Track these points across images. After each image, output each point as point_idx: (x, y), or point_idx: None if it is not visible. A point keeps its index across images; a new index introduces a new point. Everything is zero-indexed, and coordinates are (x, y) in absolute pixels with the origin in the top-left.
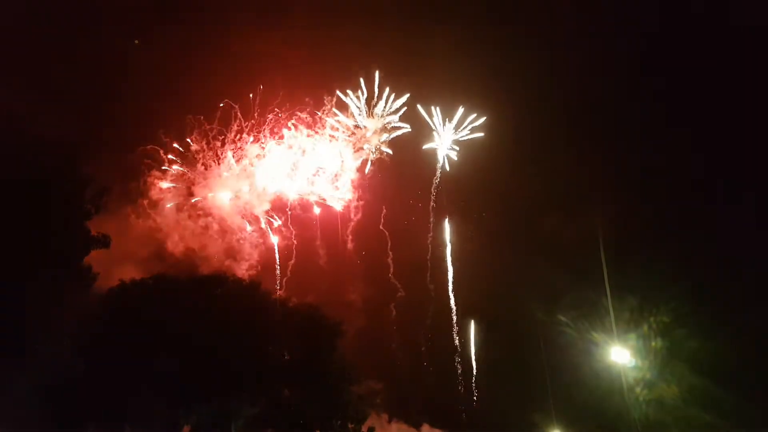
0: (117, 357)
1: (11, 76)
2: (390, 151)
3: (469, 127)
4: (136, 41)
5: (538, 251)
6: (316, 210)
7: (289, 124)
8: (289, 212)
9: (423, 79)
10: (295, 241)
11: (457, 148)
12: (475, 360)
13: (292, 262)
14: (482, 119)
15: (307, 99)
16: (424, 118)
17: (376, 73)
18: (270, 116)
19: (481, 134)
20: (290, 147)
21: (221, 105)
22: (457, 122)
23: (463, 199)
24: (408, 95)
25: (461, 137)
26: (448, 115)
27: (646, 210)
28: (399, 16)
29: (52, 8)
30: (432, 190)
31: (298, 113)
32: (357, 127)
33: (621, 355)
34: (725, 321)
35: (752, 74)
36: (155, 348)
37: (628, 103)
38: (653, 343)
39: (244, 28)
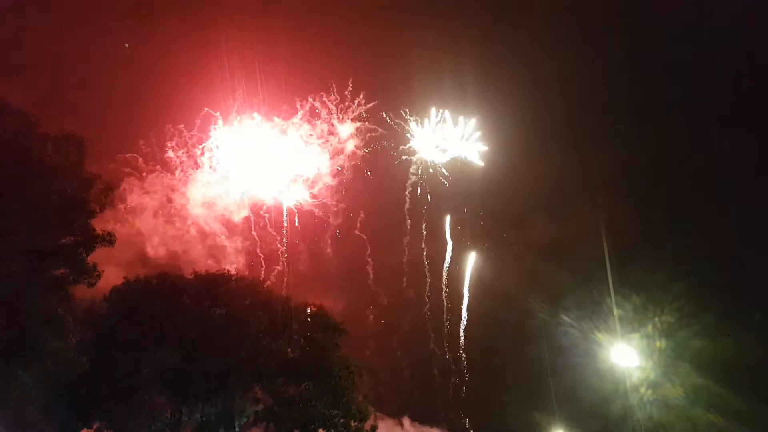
0: (121, 355)
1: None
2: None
3: (466, 132)
4: (126, 45)
5: (540, 251)
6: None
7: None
8: (266, 216)
9: (400, 84)
10: (282, 246)
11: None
12: (466, 362)
13: (279, 268)
14: (472, 120)
15: (284, 106)
16: (401, 123)
17: (350, 80)
18: (249, 122)
19: (484, 147)
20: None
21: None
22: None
23: (459, 201)
24: (376, 102)
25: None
26: (425, 117)
27: (651, 209)
28: (374, 22)
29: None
30: (406, 193)
31: (275, 118)
32: (331, 133)
33: (625, 355)
34: (730, 321)
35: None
36: (159, 346)
37: (631, 103)
38: (657, 343)
39: (224, 35)
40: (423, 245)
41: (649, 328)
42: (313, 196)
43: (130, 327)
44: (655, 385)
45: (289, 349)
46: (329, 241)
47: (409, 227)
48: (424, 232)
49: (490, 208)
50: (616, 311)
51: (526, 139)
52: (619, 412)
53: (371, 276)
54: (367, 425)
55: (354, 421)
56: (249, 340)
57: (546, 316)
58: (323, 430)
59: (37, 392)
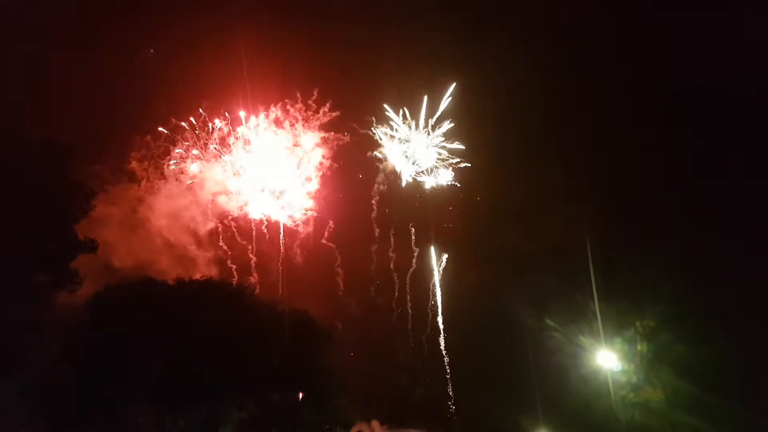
0: (103, 362)
1: None
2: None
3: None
4: (151, 50)
5: (524, 256)
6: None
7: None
8: (233, 225)
9: (367, 92)
10: (254, 257)
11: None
12: (449, 364)
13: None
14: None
15: (249, 115)
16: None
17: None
18: (214, 133)
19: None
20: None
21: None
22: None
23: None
24: (338, 113)
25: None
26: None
27: (634, 214)
28: (339, 30)
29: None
30: (373, 202)
31: (239, 129)
32: (296, 144)
33: (608, 359)
34: (711, 325)
35: (745, 73)
36: (142, 353)
37: (614, 107)
38: (640, 347)
39: (187, 44)
40: (390, 253)
41: (632, 332)
42: (282, 207)
43: (113, 334)
44: (637, 388)
45: (274, 356)
46: (298, 251)
47: (377, 236)
48: (392, 240)
49: (467, 214)
50: (599, 316)
51: (504, 142)
52: (602, 415)
53: (341, 286)
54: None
55: (340, 428)
56: (234, 347)
57: (530, 321)
58: None
59: (18, 401)
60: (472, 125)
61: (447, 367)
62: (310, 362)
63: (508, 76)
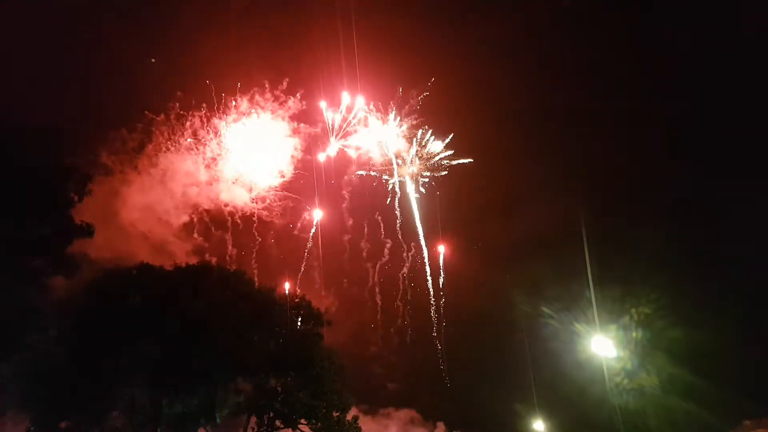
0: (100, 346)
1: None
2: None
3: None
4: (153, 60)
5: (520, 243)
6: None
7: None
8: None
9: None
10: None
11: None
12: (444, 351)
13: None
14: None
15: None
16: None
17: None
18: (187, 124)
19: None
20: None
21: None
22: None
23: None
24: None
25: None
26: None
27: (628, 202)
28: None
29: None
30: (344, 193)
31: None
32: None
33: (603, 346)
34: (705, 311)
35: (745, 70)
36: (138, 337)
37: (610, 96)
38: (634, 334)
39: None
40: (363, 243)
41: (627, 319)
42: (254, 200)
43: (109, 318)
44: (631, 374)
45: (270, 340)
46: (273, 242)
47: (350, 225)
48: (365, 230)
49: (460, 203)
50: (594, 303)
51: (497, 132)
52: (597, 401)
53: (318, 278)
54: (349, 416)
55: (336, 412)
56: (230, 331)
57: (525, 308)
58: (305, 421)
59: (15, 384)
60: (459, 119)
61: (440, 353)
62: (307, 346)
63: (492, 69)
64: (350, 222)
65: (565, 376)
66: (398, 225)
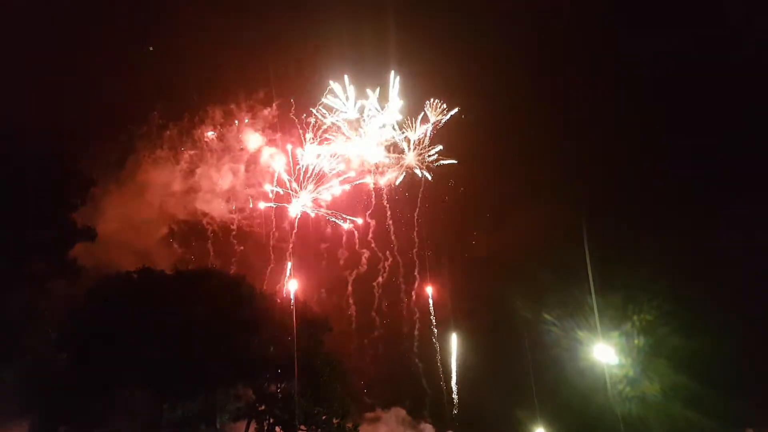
0: (101, 350)
1: None
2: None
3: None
4: (151, 48)
5: (522, 250)
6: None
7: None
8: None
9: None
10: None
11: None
12: (456, 360)
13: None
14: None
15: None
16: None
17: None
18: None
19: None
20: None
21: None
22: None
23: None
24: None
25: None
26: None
27: (631, 209)
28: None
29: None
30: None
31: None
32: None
33: (605, 353)
34: (707, 318)
35: (746, 77)
36: (140, 342)
37: (613, 105)
38: (636, 341)
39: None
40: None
41: (629, 326)
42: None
43: (110, 322)
44: (633, 381)
45: (270, 346)
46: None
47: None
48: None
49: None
50: (596, 310)
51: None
52: (599, 409)
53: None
54: (350, 423)
55: (336, 418)
56: (230, 336)
57: (528, 315)
58: (305, 427)
59: (15, 388)
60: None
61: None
62: (308, 351)
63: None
64: (338, 228)
65: (566, 383)
66: (391, 231)
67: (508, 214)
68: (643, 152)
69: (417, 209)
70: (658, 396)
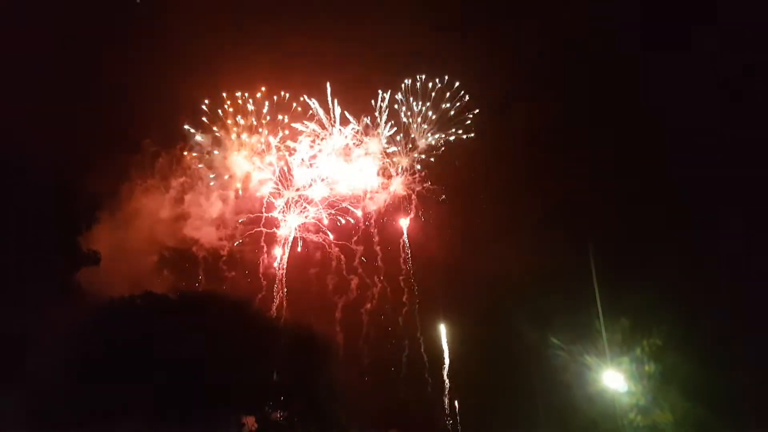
0: (104, 375)
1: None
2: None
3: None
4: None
5: (528, 273)
6: None
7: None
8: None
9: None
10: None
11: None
12: (449, 380)
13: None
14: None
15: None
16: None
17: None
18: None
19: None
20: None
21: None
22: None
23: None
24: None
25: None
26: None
27: (639, 231)
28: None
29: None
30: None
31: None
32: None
33: (614, 380)
34: (721, 345)
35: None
36: (142, 368)
37: (619, 126)
38: (646, 368)
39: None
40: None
41: (638, 351)
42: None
43: (112, 347)
44: (644, 410)
45: (272, 371)
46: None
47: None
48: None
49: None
50: (604, 334)
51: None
52: None
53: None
54: None
55: None
56: (232, 362)
57: (535, 339)
58: None
59: (15, 413)
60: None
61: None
62: (311, 378)
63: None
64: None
65: (575, 411)
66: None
67: (511, 237)
68: (653, 171)
69: (403, 234)
70: (670, 426)
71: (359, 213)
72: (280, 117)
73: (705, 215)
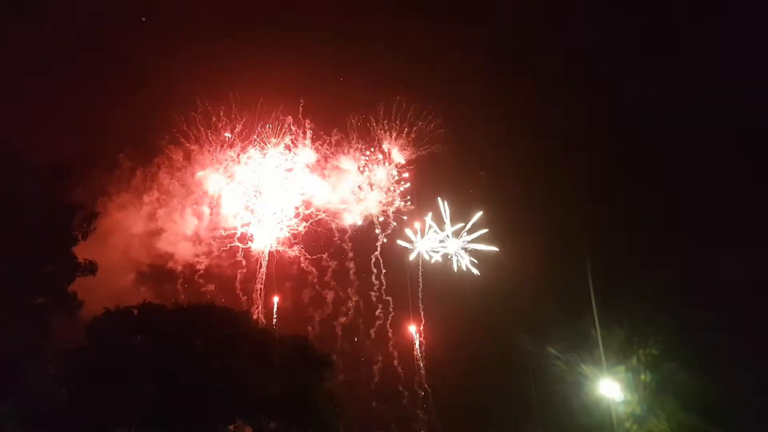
0: (100, 387)
1: None
2: None
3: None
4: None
5: (525, 286)
6: None
7: None
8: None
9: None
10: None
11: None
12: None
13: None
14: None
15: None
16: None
17: None
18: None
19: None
20: None
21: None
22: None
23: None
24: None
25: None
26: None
27: (635, 242)
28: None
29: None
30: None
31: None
32: None
33: (610, 389)
34: (716, 354)
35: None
36: (138, 378)
37: (616, 137)
38: (643, 377)
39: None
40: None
41: (634, 360)
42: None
43: (110, 358)
44: (641, 419)
45: (271, 382)
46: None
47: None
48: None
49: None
50: (601, 344)
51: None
52: None
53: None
54: None
55: None
56: (230, 373)
57: (531, 348)
58: None
59: (14, 425)
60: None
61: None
62: (308, 388)
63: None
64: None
65: (571, 420)
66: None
67: (509, 244)
68: (647, 183)
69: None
70: None
71: (334, 227)
72: (254, 136)
73: (701, 227)
